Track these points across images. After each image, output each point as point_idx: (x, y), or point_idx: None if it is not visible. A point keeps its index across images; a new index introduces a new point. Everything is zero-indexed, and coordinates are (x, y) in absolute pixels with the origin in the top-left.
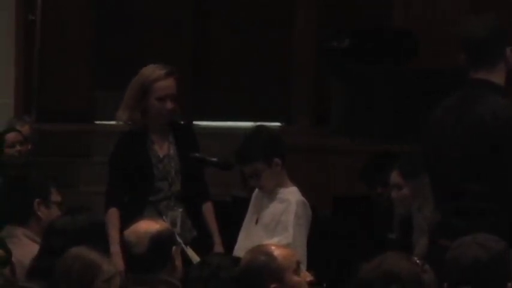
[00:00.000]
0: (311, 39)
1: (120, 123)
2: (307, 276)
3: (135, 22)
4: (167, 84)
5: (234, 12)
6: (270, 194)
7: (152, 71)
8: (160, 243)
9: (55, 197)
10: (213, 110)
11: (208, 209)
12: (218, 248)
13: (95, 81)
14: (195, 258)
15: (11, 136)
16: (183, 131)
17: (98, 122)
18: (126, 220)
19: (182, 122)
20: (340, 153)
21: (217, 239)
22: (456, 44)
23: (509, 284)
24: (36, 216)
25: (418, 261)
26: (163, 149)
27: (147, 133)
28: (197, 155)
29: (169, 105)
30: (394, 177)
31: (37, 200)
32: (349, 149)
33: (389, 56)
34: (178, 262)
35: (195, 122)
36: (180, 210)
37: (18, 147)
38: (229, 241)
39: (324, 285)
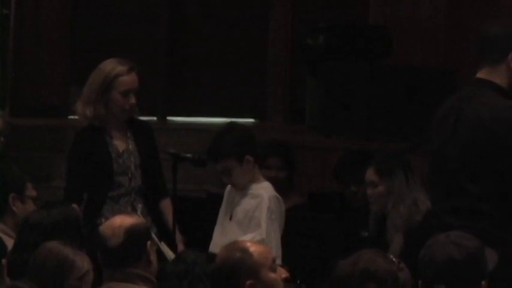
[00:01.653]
0: (287, 36)
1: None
2: (283, 273)
3: (111, 17)
4: (130, 79)
5: (211, 9)
6: (243, 190)
7: (114, 65)
8: (135, 236)
9: (30, 191)
10: (188, 105)
11: (167, 205)
12: (180, 245)
13: (69, 76)
14: (169, 254)
15: None
16: (141, 126)
17: (72, 117)
18: (86, 216)
19: (140, 119)
20: (315, 150)
21: (178, 237)
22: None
23: (483, 283)
24: (11, 211)
25: (394, 259)
26: (122, 144)
27: (106, 128)
28: (171, 150)
29: (132, 99)
30: (370, 174)
31: (12, 194)
32: (324, 146)
33: (364, 53)
34: (153, 257)
35: (169, 118)
36: (140, 205)
37: None
38: (204, 237)
39: (298, 281)
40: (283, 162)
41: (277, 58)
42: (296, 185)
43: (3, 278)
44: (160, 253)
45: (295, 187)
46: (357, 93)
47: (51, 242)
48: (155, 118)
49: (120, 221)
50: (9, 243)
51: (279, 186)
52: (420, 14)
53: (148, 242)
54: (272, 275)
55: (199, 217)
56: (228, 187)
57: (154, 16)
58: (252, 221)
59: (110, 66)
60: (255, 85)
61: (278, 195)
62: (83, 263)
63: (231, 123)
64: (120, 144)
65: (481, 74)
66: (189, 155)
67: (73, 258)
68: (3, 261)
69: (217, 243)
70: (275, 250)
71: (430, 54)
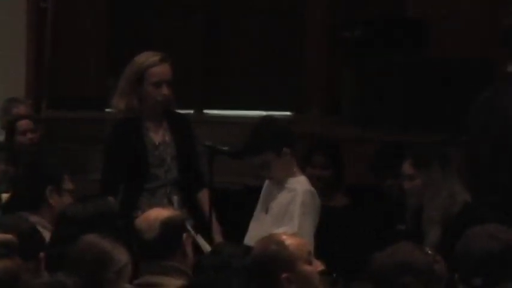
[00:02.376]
0: (323, 28)
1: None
2: (319, 266)
3: (149, 9)
4: (162, 70)
5: (247, 1)
6: (279, 184)
7: (146, 57)
8: (171, 229)
9: (67, 184)
10: (225, 98)
11: (203, 196)
12: (217, 236)
13: (107, 68)
14: (205, 247)
15: (22, 124)
16: (177, 118)
17: (109, 110)
18: (122, 208)
19: (177, 111)
20: (351, 143)
21: (215, 226)
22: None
23: None
24: (48, 204)
25: (430, 252)
26: (158, 136)
27: (142, 120)
28: (208, 143)
29: (165, 90)
30: (406, 167)
31: (49, 187)
32: (360, 137)
33: (400, 46)
34: (189, 250)
35: (206, 111)
36: (176, 197)
37: (29, 135)
38: (241, 230)
39: (334, 275)
40: (327, 159)
41: (314, 51)
42: (343, 184)
43: (40, 272)
44: (196, 245)
45: (342, 186)
46: (393, 85)
47: (89, 235)
48: (192, 111)
49: (156, 214)
50: (46, 235)
51: (323, 184)
52: (458, 6)
53: (184, 235)
54: (308, 268)
55: (236, 210)
56: (267, 181)
57: (191, 9)
58: (286, 215)
59: (142, 58)
60: (291, 78)
61: (313, 189)
62: (121, 255)
63: (267, 116)
64: (156, 136)
65: (510, 67)
66: (225, 148)
67: (111, 251)
68: (41, 254)
69: (252, 236)
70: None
71: (467, 46)
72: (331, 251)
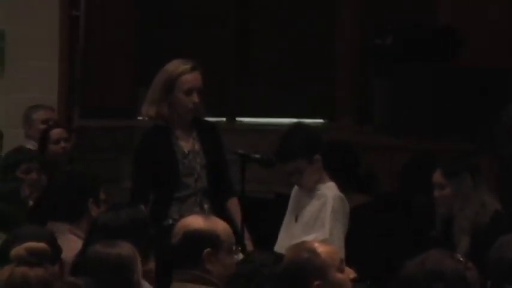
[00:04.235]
0: (354, 36)
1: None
2: (351, 273)
3: (179, 18)
4: (193, 78)
5: (279, 9)
6: (309, 191)
7: (177, 65)
8: (193, 240)
9: (102, 195)
10: (256, 106)
11: (234, 204)
12: (248, 242)
13: (138, 77)
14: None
15: (55, 133)
16: (206, 126)
17: (140, 118)
18: (153, 217)
19: (205, 119)
20: (382, 150)
21: (246, 235)
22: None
23: None
24: (89, 216)
25: (461, 258)
26: (188, 144)
27: (171, 129)
28: (240, 151)
29: (195, 98)
30: (437, 176)
31: (90, 199)
32: (391, 146)
33: (431, 54)
34: (210, 266)
35: (238, 118)
36: (206, 206)
37: (62, 144)
38: (271, 238)
39: (368, 282)
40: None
41: (345, 59)
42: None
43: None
44: None
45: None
46: (424, 94)
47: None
48: (224, 119)
49: (188, 222)
50: (79, 244)
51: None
52: (489, 15)
53: (207, 250)
54: (340, 276)
55: (267, 217)
56: (295, 188)
57: (222, 18)
58: (317, 221)
59: (173, 66)
60: (323, 86)
61: (342, 195)
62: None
63: (297, 123)
64: (185, 145)
65: None
66: (257, 156)
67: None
68: (56, 266)
69: (283, 244)
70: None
71: (499, 55)
72: (363, 254)
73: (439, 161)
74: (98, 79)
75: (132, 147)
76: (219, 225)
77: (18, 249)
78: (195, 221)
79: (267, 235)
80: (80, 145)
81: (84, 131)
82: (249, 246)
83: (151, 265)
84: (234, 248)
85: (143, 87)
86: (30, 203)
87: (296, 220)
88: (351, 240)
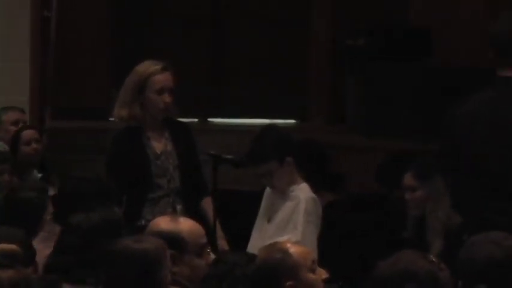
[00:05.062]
0: (327, 37)
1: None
2: (323, 274)
3: (152, 19)
4: (164, 78)
5: (252, 10)
6: (282, 194)
7: (148, 66)
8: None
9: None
10: (229, 107)
11: (207, 203)
12: (222, 242)
13: (110, 78)
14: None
15: (27, 134)
16: (178, 127)
17: (113, 119)
18: (126, 218)
19: (178, 119)
20: (355, 151)
21: (219, 233)
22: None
23: None
24: None
25: (434, 259)
26: (160, 145)
27: (143, 130)
28: (212, 152)
29: (167, 98)
30: (408, 179)
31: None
32: (364, 146)
33: (403, 55)
34: (176, 268)
35: (211, 119)
36: (179, 207)
37: (34, 145)
38: (247, 238)
39: (340, 283)
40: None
41: (318, 59)
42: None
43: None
44: None
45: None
46: (396, 94)
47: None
48: (196, 120)
49: (156, 224)
50: None
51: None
52: (460, 15)
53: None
54: (312, 276)
55: (240, 217)
56: (267, 190)
57: (196, 18)
58: (290, 223)
59: (144, 66)
60: (295, 86)
61: (315, 196)
62: None
63: (269, 125)
64: (157, 145)
65: (505, 72)
66: (230, 157)
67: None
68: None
69: (255, 245)
70: None
71: (471, 55)
72: (335, 255)
73: (410, 163)
74: (70, 80)
75: (104, 149)
76: (185, 227)
77: None
78: (161, 223)
79: (240, 234)
80: (51, 146)
81: (57, 132)
82: (224, 245)
83: None
84: (207, 248)
85: (115, 89)
86: None
87: (268, 221)
88: (322, 239)
